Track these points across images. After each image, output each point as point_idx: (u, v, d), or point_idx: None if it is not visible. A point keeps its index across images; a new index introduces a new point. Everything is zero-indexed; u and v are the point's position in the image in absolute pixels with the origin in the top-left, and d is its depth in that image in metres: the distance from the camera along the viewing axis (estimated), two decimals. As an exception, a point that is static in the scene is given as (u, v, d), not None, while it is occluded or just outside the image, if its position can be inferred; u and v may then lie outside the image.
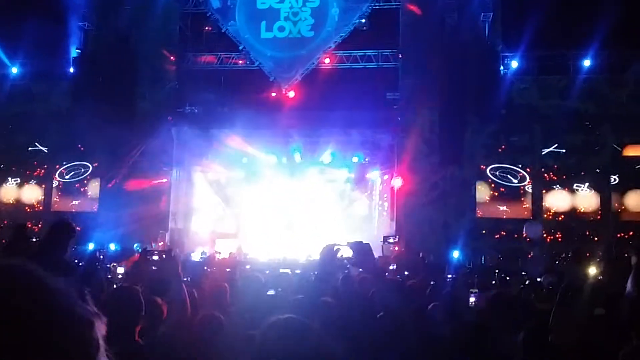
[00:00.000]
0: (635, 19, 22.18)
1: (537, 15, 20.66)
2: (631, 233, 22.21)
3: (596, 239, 22.28)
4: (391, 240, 21.86)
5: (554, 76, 22.81)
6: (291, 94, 24.39)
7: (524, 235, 20.84)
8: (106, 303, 4.66)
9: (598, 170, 22.60)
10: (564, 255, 19.97)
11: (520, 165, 23.18)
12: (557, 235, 22.77)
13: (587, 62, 22.38)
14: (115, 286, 7.01)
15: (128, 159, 22.74)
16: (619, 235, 22.10)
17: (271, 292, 7.19)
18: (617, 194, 22.56)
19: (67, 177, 25.36)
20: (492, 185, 23.19)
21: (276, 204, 24.23)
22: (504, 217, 23.00)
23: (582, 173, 22.85)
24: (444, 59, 22.08)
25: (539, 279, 11.41)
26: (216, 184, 25.40)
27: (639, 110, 21.88)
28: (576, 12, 22.87)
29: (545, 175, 23.06)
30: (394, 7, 24.06)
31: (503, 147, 23.05)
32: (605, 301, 4.08)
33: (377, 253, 20.72)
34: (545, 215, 22.84)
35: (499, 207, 23.09)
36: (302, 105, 24.09)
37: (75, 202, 25.26)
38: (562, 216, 22.91)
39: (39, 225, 23.78)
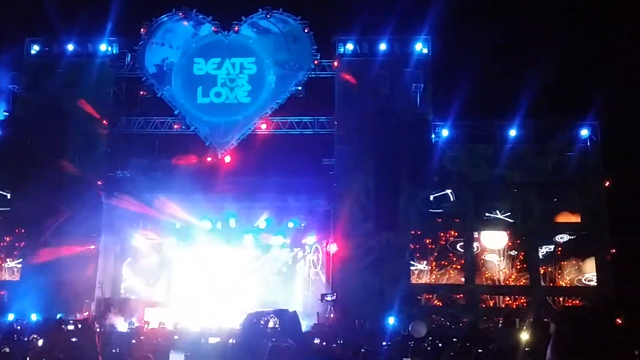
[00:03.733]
0: (558, 90, 23.53)
1: (465, 86, 21.62)
2: (560, 299, 22.74)
3: (526, 304, 22.67)
4: (329, 298, 21.58)
5: (482, 144, 23.61)
6: (227, 159, 24.28)
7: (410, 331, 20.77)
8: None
9: (525, 237, 23.28)
10: (495, 319, 20.24)
11: (452, 232, 23.60)
12: (489, 301, 23.15)
13: (512, 132, 23.32)
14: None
15: (54, 225, 21.82)
16: (548, 301, 22.58)
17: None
18: (547, 261, 23.22)
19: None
20: (426, 251, 23.51)
21: (210, 271, 23.62)
22: (438, 282, 23.18)
23: (515, 240, 23.43)
24: (378, 126, 22.60)
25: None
26: (147, 250, 24.62)
27: (564, 178, 22.81)
28: (502, 84, 24.08)
29: (478, 240, 23.53)
30: (330, 75, 24.64)
31: (436, 213, 23.48)
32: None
33: (313, 320, 20.45)
34: (477, 281, 23.14)
35: (433, 273, 23.33)
36: (237, 171, 23.98)
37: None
38: (494, 282, 23.28)
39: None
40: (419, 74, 23.53)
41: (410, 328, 20.04)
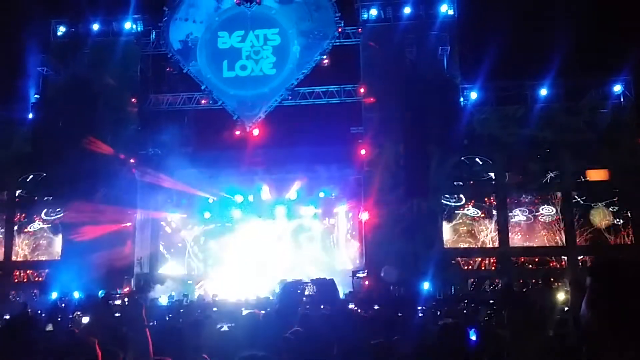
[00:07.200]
0: (588, 48, 22.89)
1: (493, 47, 21.14)
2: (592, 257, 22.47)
3: (562, 264, 22.50)
4: (360, 275, 21.73)
5: (512, 106, 23.23)
6: (255, 132, 24.38)
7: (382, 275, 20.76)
8: (59, 357, 4.44)
9: (561, 196, 22.97)
10: (534, 281, 20.10)
11: (484, 195, 23.41)
12: (524, 262, 22.99)
13: (543, 91, 22.87)
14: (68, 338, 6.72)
15: (91, 204, 22.24)
16: (583, 259, 22.35)
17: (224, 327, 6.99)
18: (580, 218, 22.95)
19: (29, 225, 24.76)
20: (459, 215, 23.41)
21: (244, 243, 23.93)
22: (472, 246, 23.12)
23: (545, 200, 23.16)
24: (406, 92, 22.36)
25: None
26: (182, 225, 25.03)
27: (596, 135, 22.37)
28: (531, 43, 23.51)
29: (509, 203, 23.31)
30: (354, 43, 24.41)
31: (467, 178, 23.32)
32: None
33: (347, 288, 20.60)
34: (511, 243, 22.99)
35: (466, 237, 23.25)
36: (266, 143, 24.08)
37: (38, 250, 24.66)
38: (528, 242, 23.09)
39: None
40: (445, 37, 23.16)
41: (383, 272, 20.28)
